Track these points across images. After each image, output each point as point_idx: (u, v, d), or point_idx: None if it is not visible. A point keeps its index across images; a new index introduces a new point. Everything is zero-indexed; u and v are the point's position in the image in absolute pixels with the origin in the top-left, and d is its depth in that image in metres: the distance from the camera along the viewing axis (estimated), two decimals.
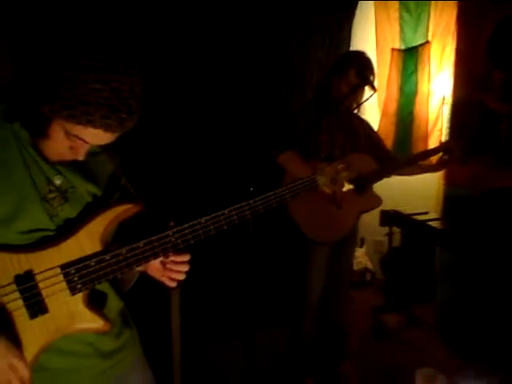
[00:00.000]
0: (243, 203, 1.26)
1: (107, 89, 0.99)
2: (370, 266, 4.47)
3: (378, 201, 2.77)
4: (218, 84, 3.46)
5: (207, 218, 1.21)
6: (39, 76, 1.01)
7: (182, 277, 1.26)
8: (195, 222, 1.20)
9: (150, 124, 1.16)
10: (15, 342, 1.08)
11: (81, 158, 1.12)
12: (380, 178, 2.75)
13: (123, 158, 1.31)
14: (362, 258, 4.44)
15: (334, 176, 1.50)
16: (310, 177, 1.44)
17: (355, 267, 4.37)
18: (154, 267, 1.28)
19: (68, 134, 1.06)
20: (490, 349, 2.79)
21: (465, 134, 3.16)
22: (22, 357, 1.06)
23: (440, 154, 2.88)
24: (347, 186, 1.55)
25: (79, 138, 1.06)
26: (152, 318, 1.99)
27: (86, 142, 1.08)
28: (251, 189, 1.66)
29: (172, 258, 1.23)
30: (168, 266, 1.24)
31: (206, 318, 3.21)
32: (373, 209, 2.83)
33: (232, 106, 3.48)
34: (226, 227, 1.23)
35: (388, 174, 2.79)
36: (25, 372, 1.05)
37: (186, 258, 1.24)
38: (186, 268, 1.25)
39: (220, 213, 1.22)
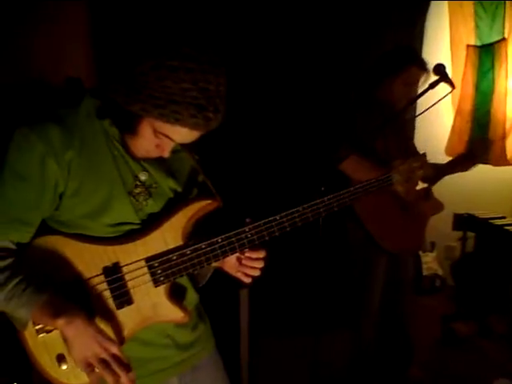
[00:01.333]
0: (318, 200, 1.25)
1: (195, 88, 1.01)
2: (440, 271, 4.32)
3: (440, 206, 2.63)
4: (292, 83, 3.46)
5: (282, 214, 1.22)
6: (129, 75, 1.03)
7: (257, 273, 1.27)
8: (271, 218, 1.21)
9: (228, 122, 1.17)
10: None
11: (166, 155, 1.15)
12: (436, 181, 2.61)
13: (202, 155, 1.33)
14: (432, 263, 4.29)
15: (409, 174, 1.45)
16: (385, 174, 1.41)
17: (425, 273, 4.24)
18: (230, 263, 1.30)
19: (156, 132, 1.09)
20: None
21: None
22: (115, 343, 1.08)
23: None
24: (421, 185, 1.50)
25: (166, 136, 1.09)
26: (221, 313, 2.02)
27: (173, 140, 1.10)
28: (322, 188, 1.65)
29: (248, 255, 1.25)
30: (244, 262, 1.26)
31: (274, 314, 3.22)
32: (435, 214, 2.69)
33: (305, 106, 3.47)
34: (300, 224, 1.23)
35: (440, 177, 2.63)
36: (116, 350, 1.06)
37: (262, 254, 1.26)
38: (261, 264, 1.26)
39: (295, 210, 1.23)
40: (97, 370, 1.06)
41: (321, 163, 2.28)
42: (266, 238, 1.21)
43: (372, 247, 2.48)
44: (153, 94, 1.01)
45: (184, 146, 1.24)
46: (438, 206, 2.64)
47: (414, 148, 2.69)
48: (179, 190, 1.25)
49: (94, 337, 1.05)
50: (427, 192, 2.54)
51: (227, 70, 1.07)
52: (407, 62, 2.44)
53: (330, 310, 2.58)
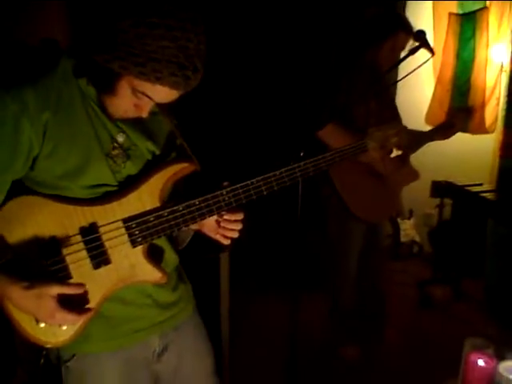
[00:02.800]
0: (294, 165, 1.27)
1: (175, 46, 0.99)
2: (417, 238, 4.40)
3: (416, 174, 2.66)
4: (274, 51, 3.43)
5: (259, 178, 1.23)
6: (109, 32, 1.02)
7: (235, 235, 1.29)
8: (248, 182, 1.22)
9: (206, 85, 1.17)
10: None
11: (144, 115, 1.14)
12: (416, 149, 2.64)
13: (179, 118, 1.33)
14: (409, 230, 4.37)
15: (384, 141, 1.47)
16: (361, 141, 1.43)
17: (403, 239, 4.32)
18: (209, 225, 1.32)
19: (135, 91, 1.07)
20: None
21: None
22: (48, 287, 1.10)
23: None
24: (395, 152, 1.52)
25: (145, 95, 1.08)
26: (202, 275, 2.05)
27: (152, 100, 1.09)
28: (301, 153, 1.66)
29: (226, 217, 1.26)
30: (222, 224, 1.28)
31: (254, 274, 3.27)
32: (410, 182, 2.73)
33: (285, 74, 3.45)
34: (276, 188, 1.25)
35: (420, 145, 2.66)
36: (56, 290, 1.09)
37: (240, 216, 1.27)
38: (239, 226, 1.28)
39: (271, 174, 1.24)
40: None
41: (301, 127, 2.28)
42: (243, 202, 1.22)
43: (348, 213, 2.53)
44: (132, 52, 1.00)
45: (163, 110, 1.23)
46: (414, 175, 2.67)
47: (397, 114, 2.70)
48: (157, 152, 1.25)
49: (34, 297, 1.07)
50: (403, 159, 2.57)
51: (210, 28, 1.06)
52: (395, 27, 2.45)
53: (308, 273, 2.62)
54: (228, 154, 3.08)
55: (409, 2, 3.93)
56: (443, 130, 2.67)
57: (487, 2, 3.70)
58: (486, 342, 1.28)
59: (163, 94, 1.07)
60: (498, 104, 3.67)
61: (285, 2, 3.44)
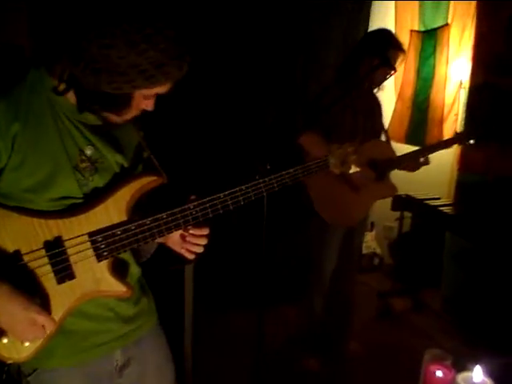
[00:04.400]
0: (260, 180, 1.29)
1: (157, 52, 1.04)
2: (378, 250, 4.48)
3: (393, 189, 2.77)
4: (238, 62, 3.43)
5: (226, 193, 1.24)
6: (89, 59, 1.04)
7: (200, 250, 1.31)
8: (215, 196, 1.23)
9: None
10: (44, 305, 1.11)
11: (153, 108, 1.19)
12: (396, 167, 2.73)
13: (146, 130, 1.33)
14: (371, 242, 4.45)
15: (344, 158, 1.52)
16: (323, 158, 1.48)
17: (364, 251, 4.38)
18: (174, 239, 1.32)
19: (147, 97, 1.14)
20: (497, 332, 2.80)
21: (480, 119, 3.14)
22: (42, 311, 1.09)
23: None
24: (353, 169, 1.57)
25: (156, 95, 1.14)
26: (166, 287, 2.03)
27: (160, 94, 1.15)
28: (268, 166, 1.68)
29: (192, 232, 1.27)
30: (188, 239, 1.29)
31: (221, 289, 3.25)
32: (388, 197, 2.83)
33: (250, 86, 3.46)
34: (242, 203, 1.27)
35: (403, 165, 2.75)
36: (48, 324, 1.09)
37: (205, 231, 1.29)
38: (204, 241, 1.29)
39: (238, 189, 1.26)
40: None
41: (267, 140, 2.32)
42: (210, 216, 1.23)
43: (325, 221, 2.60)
44: (140, 69, 1.05)
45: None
46: (392, 189, 2.77)
47: (380, 131, 2.80)
48: (125, 164, 1.25)
49: (26, 310, 1.06)
50: (382, 174, 2.66)
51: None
52: (385, 44, 2.53)
53: (274, 286, 2.64)
54: (194, 166, 3.07)
55: (372, 19, 4.02)
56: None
57: (449, 19, 3.81)
58: (445, 354, 1.31)
59: (166, 87, 1.14)
60: (456, 120, 3.79)
61: (251, 15, 3.45)
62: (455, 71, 3.83)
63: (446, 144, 2.83)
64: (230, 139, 3.35)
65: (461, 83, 3.77)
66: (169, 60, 1.06)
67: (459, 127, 3.67)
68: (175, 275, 2.16)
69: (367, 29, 3.96)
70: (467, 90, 3.56)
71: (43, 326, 1.09)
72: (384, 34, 2.67)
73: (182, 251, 1.32)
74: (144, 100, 1.15)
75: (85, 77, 1.07)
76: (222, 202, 1.23)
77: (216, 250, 2.77)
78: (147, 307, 1.40)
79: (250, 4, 3.38)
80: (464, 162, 3.48)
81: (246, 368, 2.03)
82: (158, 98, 1.17)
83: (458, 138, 2.78)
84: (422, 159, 2.73)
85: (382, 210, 3.70)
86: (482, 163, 3.23)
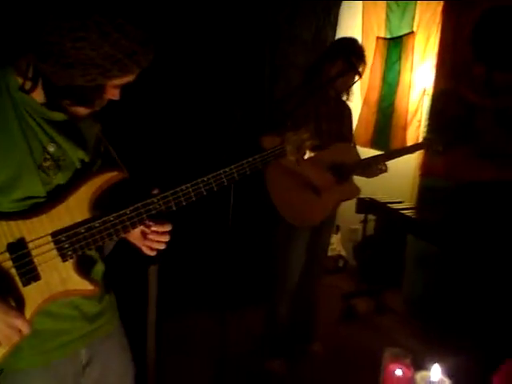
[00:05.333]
0: (220, 170, 1.30)
1: (130, 41, 1.06)
2: (343, 252, 4.54)
3: (356, 191, 2.81)
4: (202, 62, 3.41)
5: (188, 185, 1.24)
6: (59, 55, 1.03)
7: (162, 247, 1.29)
8: (177, 188, 1.23)
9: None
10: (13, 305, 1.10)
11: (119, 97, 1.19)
12: (358, 170, 2.77)
13: (105, 124, 1.32)
14: (336, 244, 4.50)
15: (300, 144, 1.53)
16: (279, 145, 1.49)
17: (329, 253, 4.43)
18: (136, 235, 1.31)
19: (117, 86, 1.15)
20: (456, 333, 2.87)
21: (443, 125, 3.21)
22: (20, 315, 1.08)
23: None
24: (308, 154, 1.59)
25: (126, 83, 1.15)
26: (129, 286, 2.00)
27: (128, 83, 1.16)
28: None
29: (154, 228, 1.26)
30: (150, 236, 1.28)
31: (185, 291, 3.23)
32: (351, 198, 2.87)
33: (214, 84, 3.45)
34: (205, 193, 1.27)
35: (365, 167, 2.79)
36: (25, 328, 1.08)
37: (168, 228, 1.27)
38: (166, 238, 1.28)
39: (200, 180, 1.26)
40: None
41: (231, 135, 2.34)
42: (174, 208, 1.23)
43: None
44: (116, 58, 1.06)
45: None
46: (355, 191, 2.81)
47: (349, 136, 2.85)
48: (87, 159, 1.24)
49: (5, 314, 1.05)
50: (346, 176, 2.71)
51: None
52: (341, 51, 2.60)
53: (238, 288, 2.64)
54: (156, 160, 3.03)
55: (339, 26, 4.07)
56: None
57: (414, 27, 3.90)
58: (404, 352, 1.33)
59: (135, 75, 1.15)
60: (419, 126, 3.87)
61: (216, 13, 3.44)
62: (419, 78, 3.92)
63: (411, 150, 2.90)
64: (194, 135, 3.33)
65: (424, 90, 3.87)
66: (140, 48, 1.08)
67: (422, 133, 3.75)
68: (139, 275, 2.14)
69: (335, 33, 4.01)
70: (430, 96, 3.65)
71: (20, 329, 1.07)
72: (348, 42, 2.73)
73: (143, 248, 1.31)
74: (112, 90, 1.15)
75: (55, 72, 1.06)
76: (185, 194, 1.23)
77: (181, 251, 2.77)
78: (110, 305, 1.39)
79: (221, 2, 3.38)
80: (426, 167, 3.55)
81: (210, 370, 2.03)
82: (123, 91, 1.17)
83: (424, 144, 2.84)
84: (383, 167, 2.78)
85: (346, 212, 3.75)
86: (444, 168, 3.31)
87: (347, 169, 2.70)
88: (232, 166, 1.31)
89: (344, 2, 4.06)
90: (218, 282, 2.00)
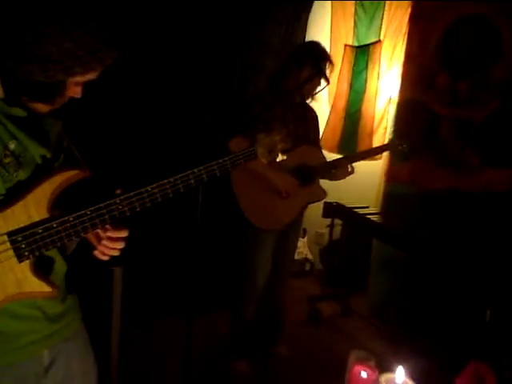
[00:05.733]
0: (188, 171, 1.25)
1: (97, 30, 1.06)
2: (310, 256, 4.58)
3: (322, 193, 2.84)
4: (172, 65, 3.40)
5: (153, 185, 1.20)
6: (23, 52, 1.02)
7: (116, 253, 1.24)
8: (142, 189, 1.18)
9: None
10: None
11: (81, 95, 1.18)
12: (324, 172, 2.80)
13: (69, 122, 1.29)
14: (302, 248, 4.53)
15: (271, 147, 1.53)
16: (250, 147, 1.46)
17: (296, 257, 4.47)
18: (93, 236, 1.27)
19: (79, 83, 1.13)
20: (421, 334, 2.93)
21: (407, 133, 3.29)
22: None
23: None
24: (280, 157, 1.59)
25: (88, 81, 1.13)
26: (94, 287, 1.97)
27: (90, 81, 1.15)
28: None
29: (109, 234, 1.21)
30: (104, 242, 1.23)
31: (150, 294, 3.20)
32: (317, 201, 2.90)
33: (184, 85, 3.43)
34: (171, 195, 1.23)
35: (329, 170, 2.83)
36: None
37: (124, 234, 1.23)
38: (121, 245, 1.23)
39: (166, 181, 1.21)
40: None
41: (200, 139, 2.33)
42: (138, 209, 1.18)
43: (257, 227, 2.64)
44: (77, 55, 1.04)
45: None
46: (321, 193, 2.83)
47: (316, 139, 2.87)
48: (48, 156, 1.20)
49: None
50: (312, 179, 2.73)
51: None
52: (307, 56, 2.61)
53: (205, 292, 2.63)
54: (121, 160, 2.98)
55: (308, 32, 4.12)
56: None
57: (381, 35, 3.97)
58: (369, 355, 1.36)
59: (97, 72, 1.13)
60: (385, 133, 3.96)
61: (188, 15, 3.43)
62: (386, 86, 4.01)
63: (377, 151, 2.95)
64: (161, 136, 3.29)
65: (390, 98, 3.95)
66: (102, 46, 1.07)
67: (388, 140, 3.83)
68: (104, 278, 2.11)
69: (305, 38, 4.05)
70: (396, 105, 3.73)
71: None
72: (312, 45, 2.76)
73: (96, 252, 1.26)
74: (74, 87, 1.14)
75: (15, 67, 1.04)
76: (150, 195, 1.19)
77: (147, 254, 2.75)
78: (73, 305, 1.36)
79: (190, 5, 3.37)
80: (391, 173, 3.63)
81: (175, 373, 2.01)
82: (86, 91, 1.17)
83: (389, 146, 2.90)
84: (349, 169, 2.82)
85: (313, 216, 3.79)
86: (408, 175, 3.40)
87: (312, 171, 2.72)
88: (201, 167, 1.27)
89: (314, 8, 4.10)
90: (186, 283, 1.99)
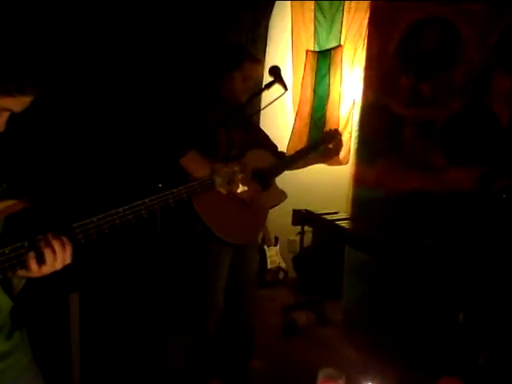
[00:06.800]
0: (139, 202, 1.21)
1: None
2: (283, 265, 4.53)
3: (283, 195, 2.78)
4: (126, 78, 3.31)
5: (100, 216, 1.14)
6: None
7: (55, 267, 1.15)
8: (87, 221, 1.12)
9: (40, 114, 1.11)
10: None
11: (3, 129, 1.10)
12: (280, 172, 2.74)
13: (7, 150, 1.22)
14: (275, 257, 4.48)
15: (231, 177, 1.50)
16: (207, 177, 1.44)
17: (269, 266, 4.42)
18: None
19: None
20: (395, 341, 2.91)
21: (371, 137, 3.29)
22: None
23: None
24: (241, 188, 1.56)
25: (6, 110, 1.06)
26: (49, 318, 1.87)
27: (12, 111, 1.08)
28: (160, 185, 1.63)
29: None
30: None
31: (112, 318, 3.08)
32: (279, 203, 2.82)
33: (141, 102, 3.35)
34: (120, 226, 1.17)
35: (286, 168, 2.78)
36: None
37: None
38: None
39: (114, 211, 1.16)
40: None
41: (160, 159, 2.24)
42: (83, 241, 1.12)
43: (215, 242, 2.51)
44: None
45: None
46: (281, 195, 2.76)
47: (264, 142, 2.80)
48: None
49: None
50: (268, 182, 2.66)
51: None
52: (240, 57, 2.52)
53: (165, 314, 2.53)
54: (65, 190, 2.86)
55: (269, 38, 4.09)
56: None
57: (342, 40, 3.97)
58: (338, 373, 1.31)
59: (22, 102, 1.06)
60: (350, 138, 3.95)
61: (146, 34, 3.36)
62: (349, 91, 4.01)
63: (318, 143, 2.92)
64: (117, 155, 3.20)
65: (354, 102, 3.95)
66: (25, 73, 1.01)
67: (353, 144, 3.82)
68: (59, 305, 2.01)
69: (266, 46, 4.02)
70: (359, 109, 3.73)
71: None
72: (237, 47, 2.71)
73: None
74: None
75: None
76: (95, 227, 1.13)
77: (106, 275, 2.64)
78: (21, 342, 1.28)
79: (146, 14, 3.30)
80: (357, 178, 3.62)
81: None
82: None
83: (323, 139, 2.89)
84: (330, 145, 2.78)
85: (284, 224, 3.75)
86: (375, 178, 3.39)
87: (268, 174, 2.65)
88: (153, 197, 1.23)
89: (273, 15, 4.08)
90: (150, 306, 1.91)
